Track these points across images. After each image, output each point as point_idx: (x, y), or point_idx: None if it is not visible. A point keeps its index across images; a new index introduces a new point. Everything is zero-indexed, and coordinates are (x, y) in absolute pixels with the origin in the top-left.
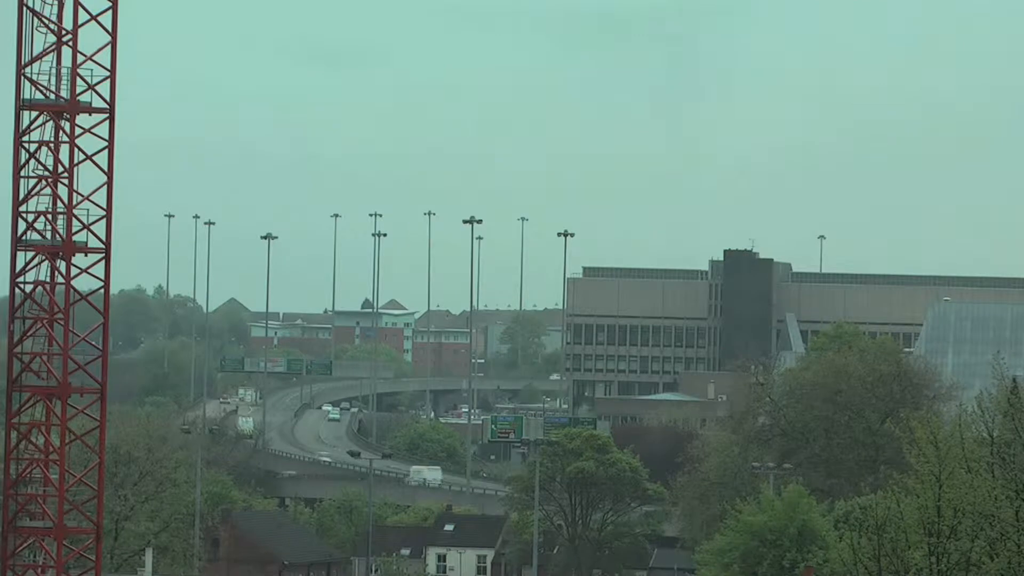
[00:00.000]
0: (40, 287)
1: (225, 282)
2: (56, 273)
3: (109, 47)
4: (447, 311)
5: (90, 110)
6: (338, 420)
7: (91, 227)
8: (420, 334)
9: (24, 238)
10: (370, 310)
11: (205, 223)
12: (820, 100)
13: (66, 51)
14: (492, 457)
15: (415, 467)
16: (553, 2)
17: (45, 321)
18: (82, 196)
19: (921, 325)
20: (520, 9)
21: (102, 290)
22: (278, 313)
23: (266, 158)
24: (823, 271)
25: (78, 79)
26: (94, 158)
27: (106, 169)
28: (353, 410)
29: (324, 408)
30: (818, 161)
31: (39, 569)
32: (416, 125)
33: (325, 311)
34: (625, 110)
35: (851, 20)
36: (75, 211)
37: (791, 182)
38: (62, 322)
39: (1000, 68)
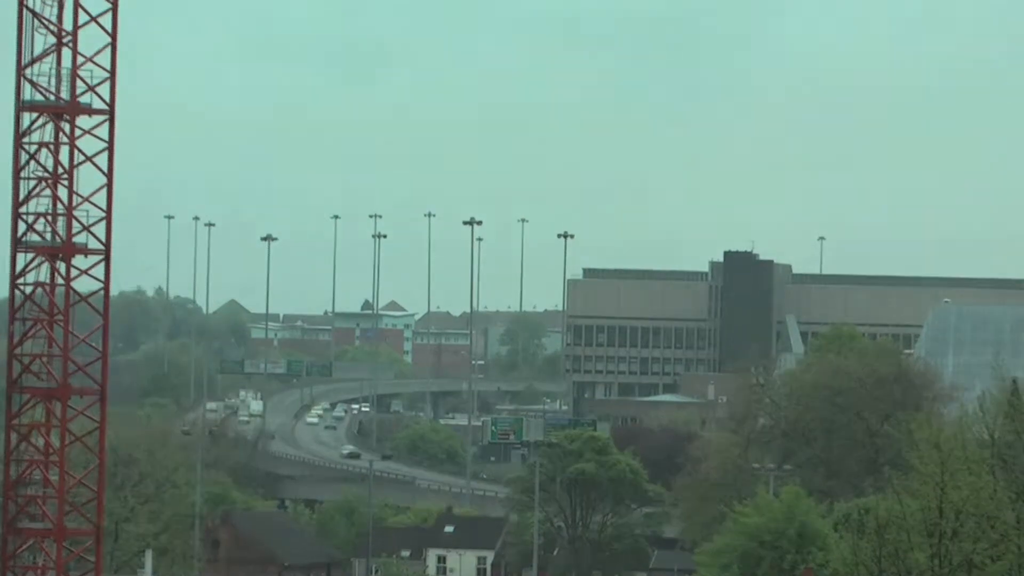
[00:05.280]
0: (40, 288)
1: (225, 284)
2: (56, 274)
3: (109, 48)
4: (447, 312)
5: (90, 111)
6: (319, 423)
7: (91, 228)
8: (420, 335)
9: (24, 239)
10: (370, 311)
11: (205, 224)
12: (820, 102)
13: (66, 52)
14: (492, 459)
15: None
16: (556, 6)
17: (45, 322)
18: (82, 197)
19: (921, 326)
20: (522, 13)
21: (102, 291)
22: (278, 314)
23: (266, 159)
24: (823, 272)
25: (78, 80)
26: (94, 159)
27: (106, 170)
28: (337, 414)
29: (314, 410)
30: (819, 163)
31: (39, 571)
32: (416, 126)
33: (325, 312)
34: (626, 113)
35: (852, 23)
36: (75, 212)
37: (792, 184)
38: (62, 323)
39: (1000, 71)
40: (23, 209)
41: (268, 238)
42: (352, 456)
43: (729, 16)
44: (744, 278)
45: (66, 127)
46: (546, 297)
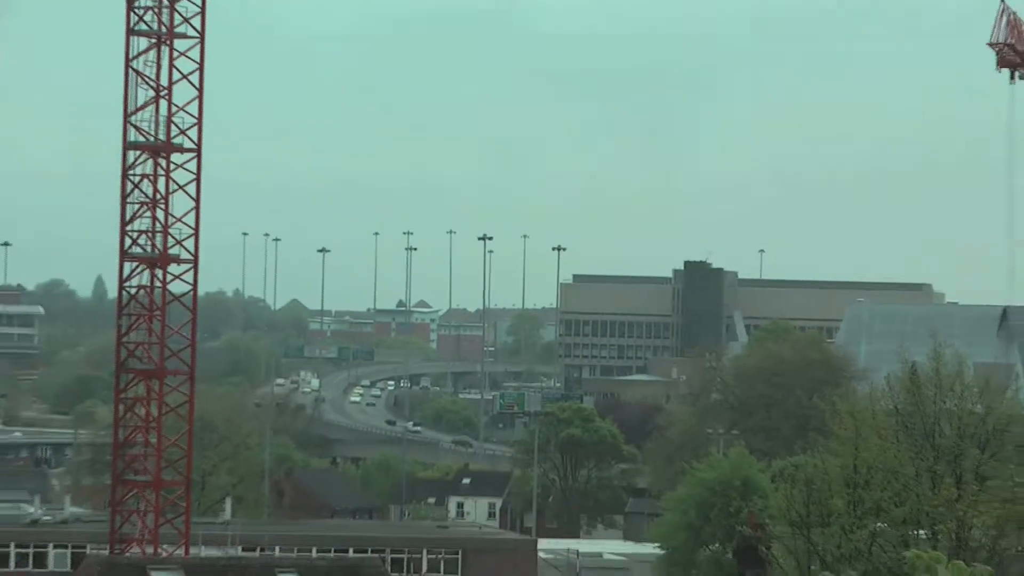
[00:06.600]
0: (142, 290)
1: (289, 286)
2: (155, 279)
3: (197, 99)
4: (465, 309)
5: (182, 150)
6: (360, 401)
7: (183, 242)
8: (443, 327)
9: (129, 251)
10: (403, 308)
11: (273, 239)
12: (760, 144)
13: (163, 103)
14: (500, 426)
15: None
16: (554, 58)
17: (146, 317)
18: (175, 218)
19: (841, 321)
20: (530, 65)
21: (191, 293)
22: (331, 311)
23: (322, 185)
24: (763, 278)
25: (172, 125)
26: (185, 188)
27: (194, 196)
28: (375, 393)
29: (356, 390)
30: (759, 190)
31: (141, 514)
32: (442, 159)
33: (368, 309)
34: (609, 150)
35: (800, 76)
36: (170, 230)
37: (739, 208)
38: (159, 318)
39: (914, 106)
40: (129, 227)
41: (323, 250)
42: (394, 425)
43: (698, 81)
44: (700, 282)
45: (163, 162)
46: (544, 297)
